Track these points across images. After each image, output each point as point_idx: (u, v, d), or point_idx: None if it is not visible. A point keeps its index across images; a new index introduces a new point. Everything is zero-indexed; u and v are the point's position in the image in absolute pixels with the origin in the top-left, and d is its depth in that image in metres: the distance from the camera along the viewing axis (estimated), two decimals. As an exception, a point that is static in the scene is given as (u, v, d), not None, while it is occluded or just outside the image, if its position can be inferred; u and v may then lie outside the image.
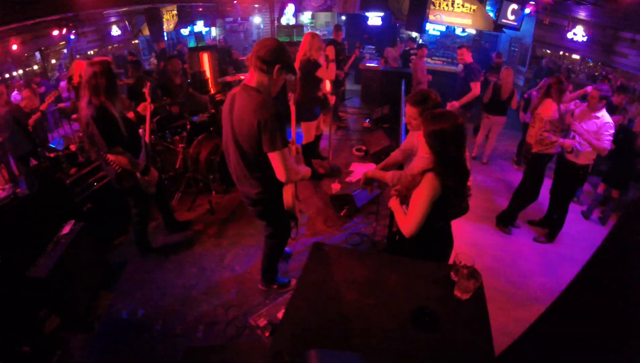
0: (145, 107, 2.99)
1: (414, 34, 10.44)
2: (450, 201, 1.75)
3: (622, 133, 4.06)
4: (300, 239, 3.43)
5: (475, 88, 4.96)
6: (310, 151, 4.32)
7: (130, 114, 2.91)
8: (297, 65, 3.85)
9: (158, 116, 3.96)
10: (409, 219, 1.79)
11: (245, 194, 2.26)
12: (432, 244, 1.94)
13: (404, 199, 1.90)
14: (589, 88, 3.66)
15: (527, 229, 3.97)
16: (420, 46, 6.92)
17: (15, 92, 6.61)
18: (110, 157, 2.52)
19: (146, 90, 2.99)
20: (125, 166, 2.57)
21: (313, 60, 3.77)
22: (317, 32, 4.20)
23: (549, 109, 3.51)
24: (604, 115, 3.20)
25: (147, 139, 2.83)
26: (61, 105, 6.10)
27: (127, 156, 2.53)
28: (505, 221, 3.92)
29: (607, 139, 3.15)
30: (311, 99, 3.97)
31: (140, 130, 2.80)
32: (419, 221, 1.74)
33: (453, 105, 5.07)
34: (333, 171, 4.63)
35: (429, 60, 8.42)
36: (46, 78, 8.84)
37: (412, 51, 7.60)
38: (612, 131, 3.18)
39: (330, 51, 4.06)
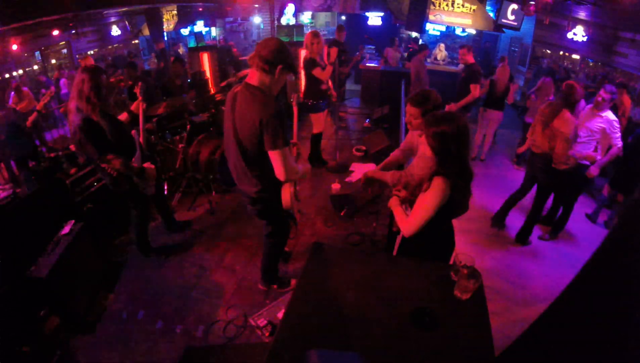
0: (138, 107, 2.94)
1: (414, 34, 10.43)
2: (457, 203, 1.75)
3: (633, 138, 3.91)
4: (300, 239, 3.43)
5: (475, 91, 4.94)
6: (318, 140, 4.65)
7: (124, 115, 2.90)
8: (301, 62, 4.28)
9: (157, 117, 3.94)
10: (412, 220, 1.78)
11: (244, 193, 2.26)
12: (437, 245, 1.94)
13: (408, 202, 1.90)
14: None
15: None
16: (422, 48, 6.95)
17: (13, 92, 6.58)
18: (103, 163, 2.51)
19: (137, 90, 2.97)
20: (120, 170, 2.55)
21: (311, 59, 4.00)
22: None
23: (568, 124, 3.03)
24: (608, 114, 3.27)
25: (141, 139, 2.81)
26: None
27: (120, 161, 2.50)
28: (524, 237, 3.69)
29: (617, 137, 3.24)
30: (314, 93, 4.24)
31: (133, 131, 2.78)
32: (422, 224, 1.75)
33: (451, 108, 5.06)
34: (339, 168, 4.72)
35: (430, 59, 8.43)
36: (46, 78, 8.83)
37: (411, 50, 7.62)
38: (619, 128, 3.25)
39: (333, 52, 4.20)
